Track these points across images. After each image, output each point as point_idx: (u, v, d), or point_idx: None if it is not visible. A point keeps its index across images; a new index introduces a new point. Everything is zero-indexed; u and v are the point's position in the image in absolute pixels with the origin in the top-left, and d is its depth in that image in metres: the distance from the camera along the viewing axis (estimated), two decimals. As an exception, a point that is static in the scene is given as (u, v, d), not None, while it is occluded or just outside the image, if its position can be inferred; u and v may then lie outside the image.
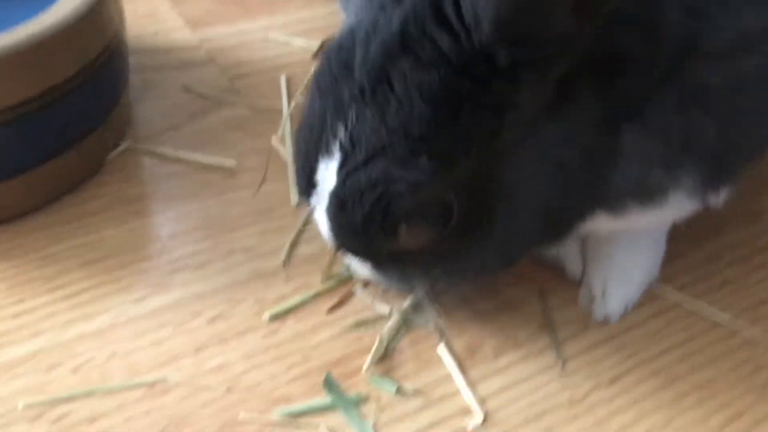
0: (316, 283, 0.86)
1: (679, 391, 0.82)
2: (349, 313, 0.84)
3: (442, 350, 0.81)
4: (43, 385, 0.75)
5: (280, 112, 1.06)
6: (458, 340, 0.83)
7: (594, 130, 0.69)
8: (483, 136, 0.65)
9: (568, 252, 0.90)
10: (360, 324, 0.83)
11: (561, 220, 0.75)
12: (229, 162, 0.98)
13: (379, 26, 0.65)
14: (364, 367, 0.79)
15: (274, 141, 1.02)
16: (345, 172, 0.66)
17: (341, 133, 0.65)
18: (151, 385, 0.77)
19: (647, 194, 0.75)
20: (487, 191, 0.69)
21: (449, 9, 0.62)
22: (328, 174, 0.67)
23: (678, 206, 0.79)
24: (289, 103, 1.07)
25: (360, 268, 0.78)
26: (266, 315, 0.83)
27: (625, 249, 0.89)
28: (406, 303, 0.84)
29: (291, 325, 0.83)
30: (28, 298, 0.83)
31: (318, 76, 0.69)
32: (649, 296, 0.89)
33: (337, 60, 0.67)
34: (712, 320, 0.88)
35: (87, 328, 0.80)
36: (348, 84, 0.65)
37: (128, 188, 0.95)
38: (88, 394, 0.75)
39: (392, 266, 0.74)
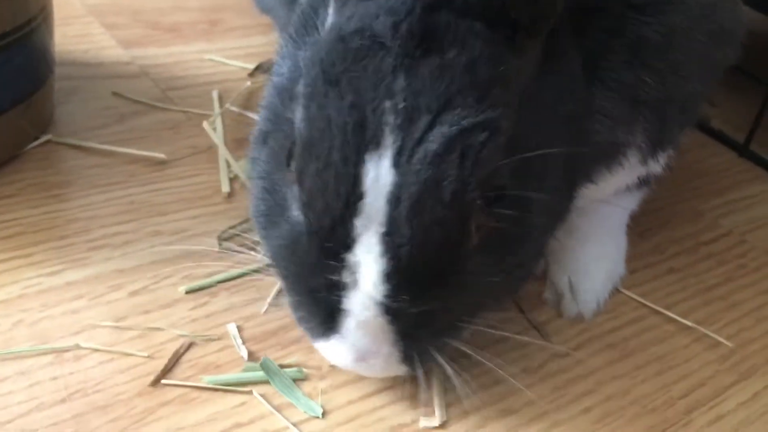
0: (250, 262, 0.81)
1: (635, 363, 0.78)
2: (286, 290, 0.79)
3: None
4: (-64, 351, 0.67)
5: (213, 117, 1.03)
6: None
7: (579, 83, 0.69)
8: (518, 86, 0.62)
9: None
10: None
11: (575, 181, 0.72)
12: (159, 155, 0.93)
13: None
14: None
15: (206, 125, 0.98)
16: (409, 149, 0.58)
17: (388, 113, 0.58)
18: (61, 352, 0.68)
19: (613, 156, 0.76)
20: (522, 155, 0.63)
21: None
22: (381, 171, 0.58)
23: (630, 169, 0.79)
24: (221, 108, 1.04)
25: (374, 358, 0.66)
26: (182, 289, 0.76)
27: (588, 244, 0.86)
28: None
29: (224, 298, 0.77)
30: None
31: (319, 87, 0.61)
32: (598, 280, 0.86)
33: (349, 52, 0.60)
34: (663, 303, 0.85)
35: (-9, 298, 0.72)
36: (383, 57, 0.59)
37: (48, 176, 0.89)
38: (-12, 360, 0.66)
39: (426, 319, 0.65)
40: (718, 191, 1.07)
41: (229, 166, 0.93)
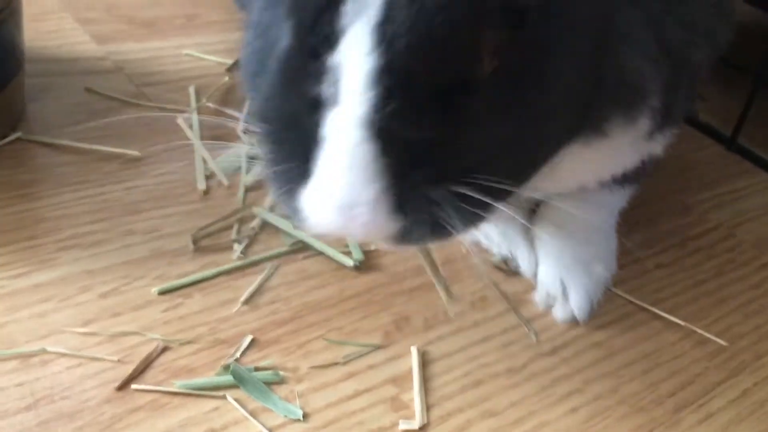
0: (226, 262, 0.78)
1: (623, 361, 0.76)
2: (265, 290, 0.76)
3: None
4: None
5: (188, 112, 1.00)
6: (385, 314, 0.76)
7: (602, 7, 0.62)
8: None
9: (519, 250, 0.84)
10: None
11: (584, 112, 0.64)
12: (132, 152, 0.91)
13: None
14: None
15: (180, 121, 0.95)
16: None
17: None
18: (27, 357, 0.65)
19: (629, 101, 0.67)
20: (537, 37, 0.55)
21: None
22: None
23: (637, 145, 0.74)
24: (198, 105, 1.01)
25: (382, 227, 0.54)
26: (154, 290, 0.74)
27: (578, 244, 0.83)
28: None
29: (198, 300, 0.74)
30: None
31: None
32: (584, 277, 0.84)
33: None
34: (651, 299, 0.83)
35: (-46, 303, 0.70)
36: None
37: (17, 174, 0.86)
38: (-51, 366, 0.63)
39: (424, 202, 0.54)
40: (706, 185, 1.06)
41: (205, 162, 0.91)
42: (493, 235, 0.84)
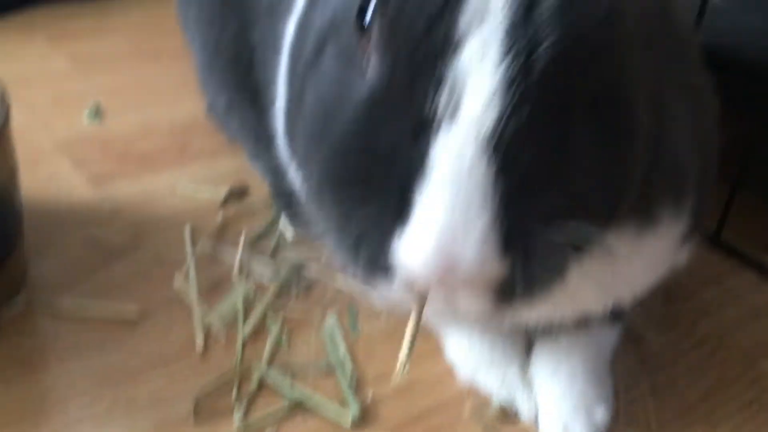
0: (227, 427, 0.80)
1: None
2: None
3: None
4: None
5: (185, 259, 1.03)
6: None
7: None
8: None
9: (518, 392, 0.85)
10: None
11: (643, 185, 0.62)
12: (131, 313, 0.93)
13: None
14: None
15: (177, 282, 0.98)
16: None
17: None
18: None
19: (679, 191, 0.68)
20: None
21: None
22: None
23: (672, 251, 0.75)
24: (193, 250, 1.04)
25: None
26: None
27: (579, 386, 0.84)
28: None
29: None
30: None
31: None
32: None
33: None
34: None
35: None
36: None
37: (22, 345, 0.89)
38: None
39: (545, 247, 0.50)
40: (693, 290, 1.08)
41: (203, 321, 0.93)
42: (491, 380, 0.86)
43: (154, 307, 0.95)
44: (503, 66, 0.46)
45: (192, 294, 0.96)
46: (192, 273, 1.00)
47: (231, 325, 0.94)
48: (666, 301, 1.04)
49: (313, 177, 0.59)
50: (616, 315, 0.85)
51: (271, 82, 0.88)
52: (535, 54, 0.46)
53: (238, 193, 1.19)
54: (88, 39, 1.67)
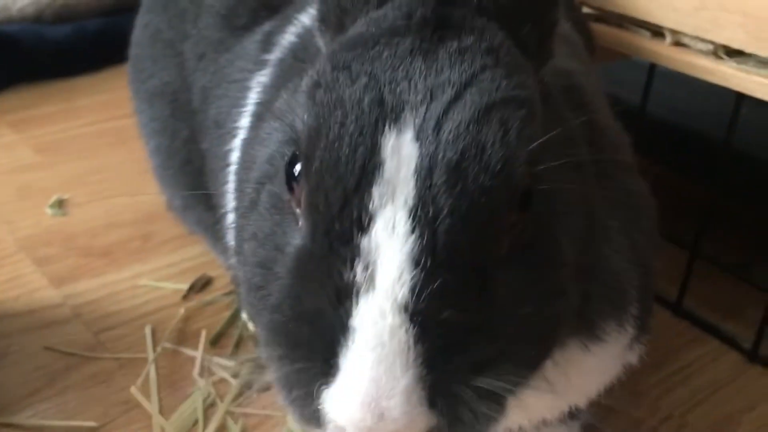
0: None
1: None
2: None
3: None
4: None
5: (146, 361, 1.03)
6: None
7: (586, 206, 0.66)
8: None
9: None
10: None
11: (583, 306, 0.65)
12: (89, 423, 0.93)
13: None
14: None
15: (134, 390, 0.98)
16: (434, 122, 0.52)
17: (406, 92, 0.54)
18: None
19: (619, 303, 0.71)
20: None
21: None
22: (403, 143, 0.52)
23: (623, 354, 0.77)
24: (154, 350, 1.04)
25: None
26: None
27: None
28: None
29: None
30: None
31: (327, 76, 0.56)
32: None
33: (359, 42, 0.57)
34: None
35: None
36: (398, 43, 0.56)
37: (-22, 466, 0.88)
38: None
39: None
40: (656, 363, 1.08)
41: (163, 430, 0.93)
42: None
43: (112, 416, 0.95)
44: (411, 239, 0.50)
45: (152, 404, 0.96)
46: (152, 377, 1.00)
47: (192, 428, 0.93)
48: (630, 375, 1.05)
49: (254, 319, 0.64)
50: (573, 414, 0.85)
51: (220, 194, 0.89)
52: (438, 223, 0.50)
53: (200, 286, 1.19)
54: (52, 124, 1.68)
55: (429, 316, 0.51)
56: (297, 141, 0.57)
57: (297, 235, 0.57)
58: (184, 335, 1.09)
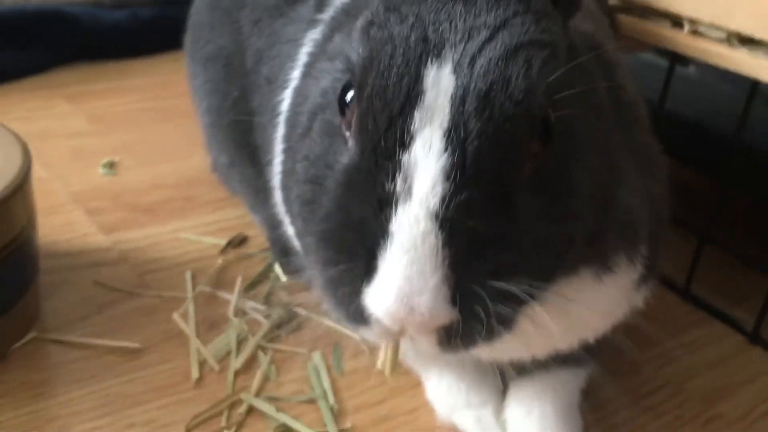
0: (217, 452, 0.88)
1: None
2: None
3: None
4: None
5: (185, 300, 1.11)
6: None
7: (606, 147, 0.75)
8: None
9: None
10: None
11: (596, 237, 0.74)
12: (133, 344, 1.02)
13: None
14: None
15: (176, 316, 1.06)
16: (469, 58, 0.62)
17: (448, 31, 0.63)
18: None
19: (632, 241, 0.80)
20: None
21: None
22: (442, 75, 0.62)
23: (630, 293, 0.85)
24: (193, 289, 1.13)
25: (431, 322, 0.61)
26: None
27: (550, 424, 0.90)
28: None
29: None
30: None
31: (380, 15, 0.66)
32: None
33: None
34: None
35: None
36: None
37: (31, 374, 0.97)
38: None
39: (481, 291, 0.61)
40: (659, 339, 1.14)
41: (199, 353, 1.01)
42: (467, 420, 0.92)
43: (154, 342, 1.03)
44: (444, 156, 0.60)
45: (190, 330, 1.04)
46: (191, 311, 1.08)
47: (224, 359, 1.01)
48: (631, 348, 1.12)
49: (304, 235, 0.74)
50: (581, 358, 0.92)
51: (268, 143, 0.99)
52: (467, 144, 0.60)
53: (237, 242, 1.28)
54: (104, 99, 1.79)
55: (456, 223, 0.60)
56: (352, 70, 0.68)
57: (346, 155, 0.68)
58: (220, 282, 1.17)
